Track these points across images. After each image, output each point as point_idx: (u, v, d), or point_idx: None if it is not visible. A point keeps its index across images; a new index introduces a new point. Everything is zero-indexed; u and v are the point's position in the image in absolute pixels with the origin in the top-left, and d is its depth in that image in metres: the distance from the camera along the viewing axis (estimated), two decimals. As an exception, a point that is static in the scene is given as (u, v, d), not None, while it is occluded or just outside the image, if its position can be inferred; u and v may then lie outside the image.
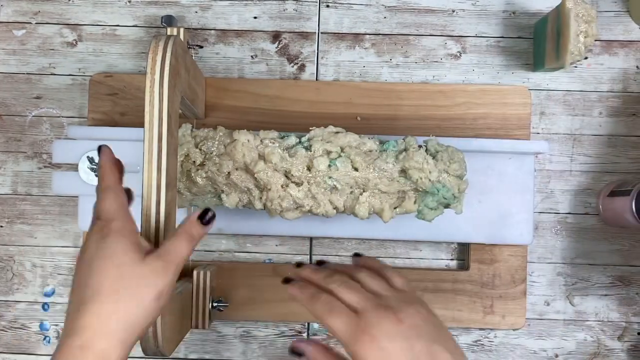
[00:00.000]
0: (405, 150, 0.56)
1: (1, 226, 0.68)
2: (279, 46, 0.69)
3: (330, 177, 0.55)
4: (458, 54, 0.69)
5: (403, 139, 0.57)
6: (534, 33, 0.69)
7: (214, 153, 0.56)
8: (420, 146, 0.57)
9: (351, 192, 0.56)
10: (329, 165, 0.55)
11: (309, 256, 0.68)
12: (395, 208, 0.57)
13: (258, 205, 0.57)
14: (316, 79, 0.69)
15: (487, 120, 0.67)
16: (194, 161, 0.56)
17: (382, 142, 0.57)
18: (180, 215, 0.64)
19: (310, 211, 0.57)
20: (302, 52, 0.69)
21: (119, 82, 0.67)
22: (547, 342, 0.67)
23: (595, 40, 0.67)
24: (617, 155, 0.68)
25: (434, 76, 0.69)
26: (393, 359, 0.37)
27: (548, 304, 0.68)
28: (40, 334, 0.68)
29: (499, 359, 0.67)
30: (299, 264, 0.47)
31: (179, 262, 0.43)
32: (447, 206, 0.57)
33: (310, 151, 0.55)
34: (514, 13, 0.69)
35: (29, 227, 0.68)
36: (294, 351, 0.42)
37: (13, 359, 0.67)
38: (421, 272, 0.66)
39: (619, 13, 0.69)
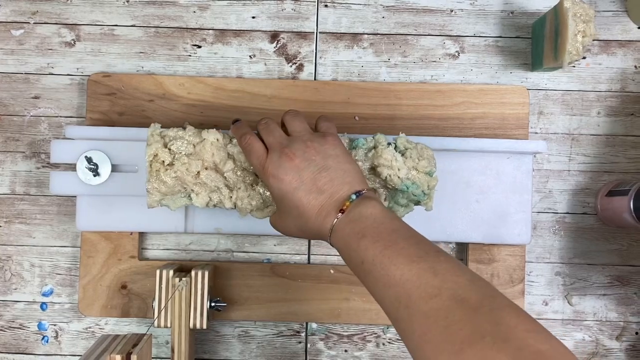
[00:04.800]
0: (375, 147, 0.55)
1: None
2: (277, 46, 0.69)
3: None
4: (456, 54, 0.69)
5: (372, 137, 0.57)
6: (532, 33, 0.69)
7: (183, 152, 0.55)
8: (389, 143, 0.56)
9: None
10: None
11: (307, 256, 0.68)
12: None
13: (228, 204, 0.56)
14: (314, 79, 0.69)
15: (485, 120, 0.67)
16: (163, 161, 0.55)
17: (352, 140, 0.57)
18: (175, 213, 0.64)
19: None
20: (300, 52, 0.69)
21: (117, 82, 0.67)
22: (546, 341, 0.67)
23: (594, 40, 0.67)
24: (615, 155, 0.68)
25: (432, 76, 0.69)
26: (286, 185, 0.48)
27: (546, 304, 0.68)
28: (38, 333, 0.68)
29: (497, 359, 0.67)
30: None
31: None
32: (417, 203, 0.57)
33: None
34: (512, 13, 0.69)
35: (27, 226, 0.68)
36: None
37: (11, 359, 0.67)
38: (419, 272, 0.66)
39: (617, 13, 0.69)
